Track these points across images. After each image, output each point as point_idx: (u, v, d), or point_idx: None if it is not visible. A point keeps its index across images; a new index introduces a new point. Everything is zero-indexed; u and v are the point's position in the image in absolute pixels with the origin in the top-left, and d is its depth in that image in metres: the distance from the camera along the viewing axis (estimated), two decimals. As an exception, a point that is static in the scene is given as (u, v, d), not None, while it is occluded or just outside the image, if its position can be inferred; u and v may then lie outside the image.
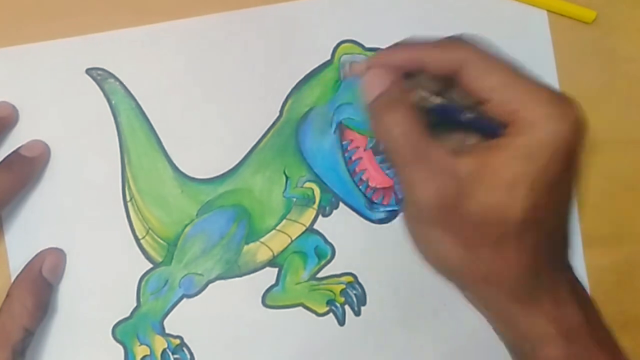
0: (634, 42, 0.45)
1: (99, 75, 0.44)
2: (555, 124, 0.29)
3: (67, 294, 0.43)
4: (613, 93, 0.45)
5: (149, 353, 0.43)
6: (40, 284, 0.41)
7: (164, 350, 0.43)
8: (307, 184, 0.44)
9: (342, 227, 0.44)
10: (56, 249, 0.43)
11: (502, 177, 0.29)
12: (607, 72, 0.45)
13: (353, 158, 0.44)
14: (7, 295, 0.41)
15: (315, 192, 0.44)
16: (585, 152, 0.31)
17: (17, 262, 0.43)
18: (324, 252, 0.43)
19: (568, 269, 0.32)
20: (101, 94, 0.44)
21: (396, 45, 0.34)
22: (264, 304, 0.43)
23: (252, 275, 0.43)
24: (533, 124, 0.29)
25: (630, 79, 0.45)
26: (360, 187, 0.44)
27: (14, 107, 0.43)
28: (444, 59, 0.31)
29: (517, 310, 0.31)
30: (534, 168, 0.29)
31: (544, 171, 0.29)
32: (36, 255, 0.42)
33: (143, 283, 0.43)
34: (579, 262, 0.44)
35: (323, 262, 0.43)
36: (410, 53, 0.32)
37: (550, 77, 0.44)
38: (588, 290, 0.43)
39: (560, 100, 0.29)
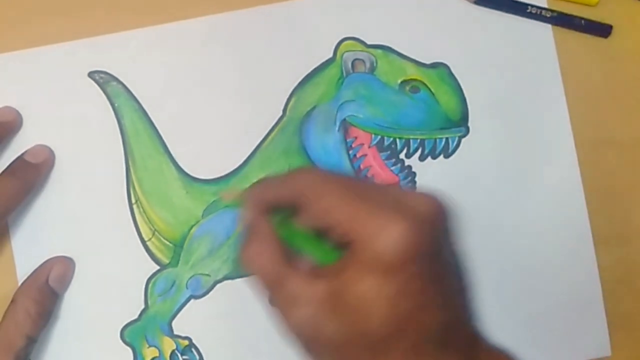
0: (634, 39, 0.45)
1: (102, 78, 0.44)
2: (375, 244, 0.30)
3: (75, 297, 0.43)
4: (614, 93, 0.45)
5: (157, 355, 0.43)
6: (46, 292, 0.41)
7: (172, 352, 0.43)
8: (312, 182, 0.44)
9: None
10: (65, 257, 0.43)
11: (351, 298, 0.30)
12: (608, 73, 0.44)
13: (357, 155, 0.44)
14: (12, 301, 0.41)
15: (320, 190, 0.44)
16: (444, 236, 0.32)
17: (24, 266, 0.43)
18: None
19: (472, 346, 0.33)
20: (104, 96, 0.44)
21: (259, 183, 0.37)
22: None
23: (259, 274, 0.43)
24: (362, 245, 0.30)
25: (631, 79, 0.45)
26: (366, 184, 0.43)
27: (17, 112, 0.43)
28: (285, 193, 0.34)
29: None
30: (372, 285, 0.30)
31: (382, 286, 0.30)
32: (44, 263, 0.42)
33: (150, 285, 0.43)
34: (589, 262, 0.44)
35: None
36: (265, 190, 0.35)
37: (553, 77, 0.44)
38: (599, 291, 0.43)
39: (382, 216, 0.31)
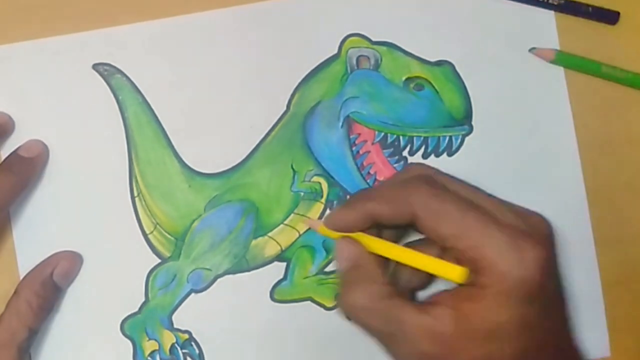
0: (637, 40, 0.45)
1: (106, 71, 0.44)
2: (517, 270, 0.28)
3: (75, 289, 0.43)
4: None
5: (157, 348, 0.43)
6: (49, 287, 0.41)
7: (172, 345, 0.43)
8: (315, 178, 0.44)
9: (350, 221, 0.44)
10: (73, 253, 0.43)
11: (484, 329, 0.28)
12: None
13: (361, 152, 0.44)
14: (15, 293, 0.41)
15: (323, 186, 0.44)
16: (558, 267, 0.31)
17: (25, 259, 0.43)
18: (332, 246, 0.43)
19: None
20: (108, 89, 0.44)
21: (350, 202, 0.35)
22: (272, 298, 0.43)
23: (260, 269, 0.43)
24: (497, 274, 0.28)
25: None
26: (368, 180, 0.43)
27: (9, 116, 0.43)
28: (395, 215, 0.31)
29: None
30: (511, 315, 0.28)
31: (522, 315, 0.28)
32: (51, 257, 0.42)
33: (151, 278, 0.43)
34: (590, 262, 0.44)
35: (331, 256, 0.43)
36: (364, 212, 0.32)
37: (558, 76, 0.44)
38: (599, 291, 0.43)
39: (518, 241, 0.29)
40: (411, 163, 0.33)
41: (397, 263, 0.32)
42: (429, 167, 0.37)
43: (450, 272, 0.29)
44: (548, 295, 0.29)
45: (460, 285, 0.30)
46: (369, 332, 0.31)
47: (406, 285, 0.33)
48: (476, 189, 0.31)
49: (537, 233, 0.29)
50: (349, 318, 0.32)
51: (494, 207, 0.30)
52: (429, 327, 0.29)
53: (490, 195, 0.31)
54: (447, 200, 0.30)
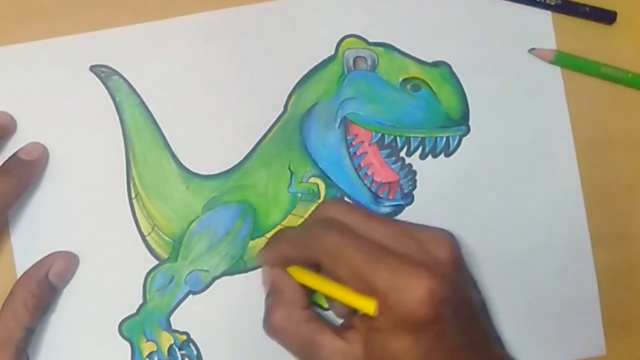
0: (633, 40, 0.45)
1: (103, 73, 0.44)
2: (403, 305, 0.30)
3: (73, 291, 0.43)
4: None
5: (155, 349, 0.43)
6: (44, 286, 0.41)
7: (170, 347, 0.43)
8: (312, 179, 0.44)
9: (347, 222, 0.44)
10: (69, 253, 0.43)
11: (385, 355, 0.31)
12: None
13: (358, 153, 0.44)
14: (10, 293, 0.41)
15: (320, 188, 0.44)
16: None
17: (23, 261, 0.43)
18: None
19: None
20: (105, 91, 0.44)
21: (269, 242, 0.39)
22: (270, 299, 0.43)
23: (258, 270, 0.43)
24: (390, 307, 0.30)
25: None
26: (366, 181, 0.44)
27: (11, 116, 0.43)
28: (303, 258, 0.34)
29: None
30: (405, 345, 0.30)
31: (414, 345, 0.30)
32: (47, 256, 0.42)
33: (149, 280, 0.43)
34: (586, 261, 0.44)
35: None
36: (279, 253, 0.36)
37: (555, 76, 0.44)
38: (595, 290, 0.43)
39: (405, 276, 0.31)
40: (326, 200, 0.35)
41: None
42: (340, 204, 0.39)
43: (363, 304, 0.32)
44: (446, 320, 0.31)
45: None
46: (291, 353, 0.34)
47: (338, 314, 0.36)
48: (378, 219, 0.34)
49: (433, 260, 0.31)
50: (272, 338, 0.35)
51: (392, 238, 0.33)
52: (342, 350, 0.32)
53: (393, 223, 0.33)
54: (343, 245, 0.32)
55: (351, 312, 0.33)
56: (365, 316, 0.31)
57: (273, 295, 0.34)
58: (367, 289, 0.31)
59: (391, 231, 0.33)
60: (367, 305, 0.31)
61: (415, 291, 0.30)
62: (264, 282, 0.36)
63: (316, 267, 0.36)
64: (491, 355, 0.33)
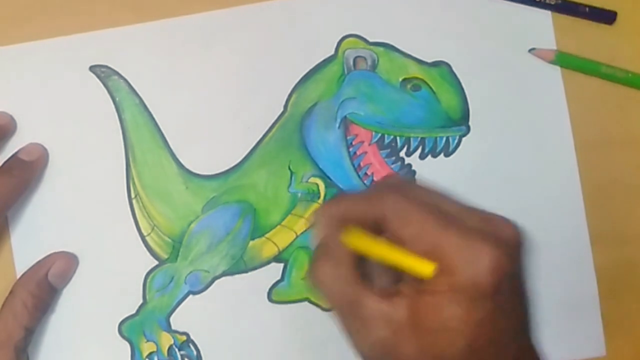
0: (633, 40, 0.45)
1: (103, 73, 0.44)
2: (469, 271, 0.30)
3: (73, 291, 0.43)
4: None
5: (155, 349, 0.43)
6: (44, 287, 0.41)
7: (170, 347, 0.43)
8: (312, 179, 0.44)
9: (347, 222, 0.44)
10: (68, 254, 0.43)
11: (434, 321, 0.30)
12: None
13: (358, 153, 0.44)
14: (10, 293, 0.41)
15: (320, 187, 0.44)
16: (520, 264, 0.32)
17: (23, 261, 0.43)
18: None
19: None
20: (105, 91, 0.44)
21: (334, 198, 0.38)
22: (269, 299, 0.43)
23: (257, 270, 0.43)
24: (453, 271, 0.30)
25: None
26: (365, 181, 0.44)
27: (11, 116, 0.43)
28: (367, 214, 0.33)
29: None
30: (460, 312, 0.30)
31: (470, 313, 0.30)
32: (47, 257, 0.42)
33: (149, 280, 0.43)
34: (586, 261, 0.44)
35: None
36: (344, 207, 0.34)
37: (554, 76, 0.44)
38: (595, 290, 0.43)
39: (474, 242, 0.30)
40: (386, 175, 0.35)
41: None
42: (401, 177, 0.39)
43: (421, 266, 0.31)
44: (503, 296, 0.30)
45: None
46: (331, 306, 0.33)
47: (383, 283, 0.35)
48: (444, 196, 0.34)
49: (499, 236, 0.31)
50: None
51: (458, 211, 0.32)
52: (386, 313, 0.31)
53: (458, 201, 0.33)
54: (412, 205, 0.32)
55: (398, 281, 0.33)
56: (415, 281, 0.31)
57: (321, 247, 0.33)
58: (429, 251, 0.30)
59: (457, 206, 0.32)
60: (425, 267, 0.30)
61: (483, 258, 0.29)
62: (312, 240, 0.35)
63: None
64: (526, 346, 0.32)
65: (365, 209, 0.33)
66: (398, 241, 0.32)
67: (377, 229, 0.32)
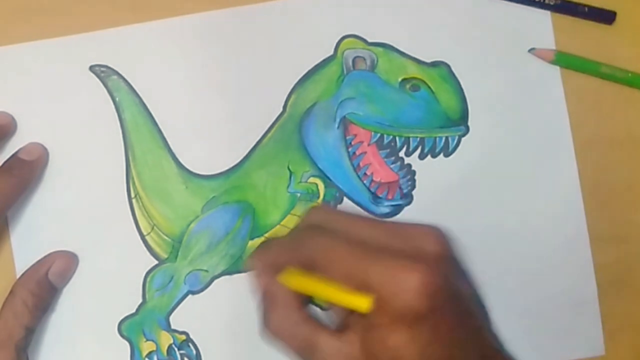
0: (633, 40, 0.45)
1: (103, 72, 0.44)
2: (398, 300, 0.30)
3: (73, 290, 0.43)
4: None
5: (155, 349, 0.43)
6: (44, 286, 0.42)
7: (169, 346, 0.43)
8: (311, 179, 0.44)
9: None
10: (69, 253, 0.43)
11: (384, 353, 0.31)
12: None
13: (357, 153, 0.44)
14: (10, 292, 0.41)
15: (319, 187, 0.44)
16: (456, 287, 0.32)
17: (23, 260, 0.43)
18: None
19: None
20: (105, 90, 0.44)
21: (262, 245, 0.39)
22: (269, 299, 0.43)
23: (257, 270, 0.44)
24: (386, 302, 0.30)
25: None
26: (365, 181, 0.44)
27: (12, 116, 0.43)
28: (295, 259, 0.33)
29: None
30: (404, 339, 0.30)
31: (414, 338, 0.30)
32: (47, 256, 0.42)
33: (148, 279, 0.43)
34: (585, 260, 0.44)
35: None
36: (274, 255, 0.35)
37: (554, 75, 0.44)
38: (594, 290, 0.43)
39: (397, 271, 0.31)
40: (311, 207, 0.36)
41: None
42: (325, 209, 0.39)
43: (357, 302, 0.31)
44: (442, 310, 0.31)
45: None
46: (291, 355, 0.33)
47: (337, 315, 0.36)
48: (367, 221, 0.34)
49: (421, 253, 0.31)
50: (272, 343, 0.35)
51: (382, 235, 0.33)
52: (340, 350, 0.32)
53: (381, 222, 0.34)
54: (335, 244, 0.32)
55: (348, 313, 0.33)
56: (361, 316, 0.31)
57: (265, 300, 0.34)
58: (360, 288, 0.31)
59: (379, 230, 0.33)
60: (361, 302, 0.31)
61: (408, 283, 0.30)
62: (253, 289, 0.36)
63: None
64: (488, 352, 0.32)
65: (292, 255, 0.34)
66: (331, 279, 0.32)
67: (312, 269, 0.33)
